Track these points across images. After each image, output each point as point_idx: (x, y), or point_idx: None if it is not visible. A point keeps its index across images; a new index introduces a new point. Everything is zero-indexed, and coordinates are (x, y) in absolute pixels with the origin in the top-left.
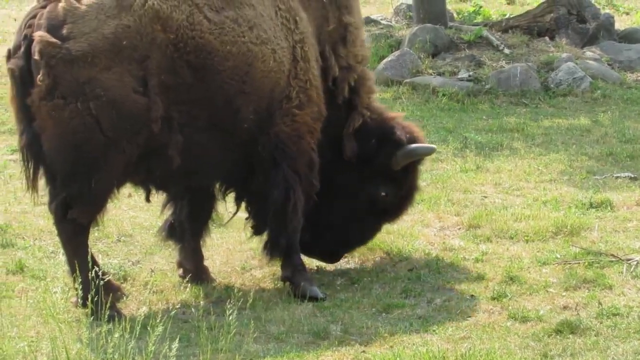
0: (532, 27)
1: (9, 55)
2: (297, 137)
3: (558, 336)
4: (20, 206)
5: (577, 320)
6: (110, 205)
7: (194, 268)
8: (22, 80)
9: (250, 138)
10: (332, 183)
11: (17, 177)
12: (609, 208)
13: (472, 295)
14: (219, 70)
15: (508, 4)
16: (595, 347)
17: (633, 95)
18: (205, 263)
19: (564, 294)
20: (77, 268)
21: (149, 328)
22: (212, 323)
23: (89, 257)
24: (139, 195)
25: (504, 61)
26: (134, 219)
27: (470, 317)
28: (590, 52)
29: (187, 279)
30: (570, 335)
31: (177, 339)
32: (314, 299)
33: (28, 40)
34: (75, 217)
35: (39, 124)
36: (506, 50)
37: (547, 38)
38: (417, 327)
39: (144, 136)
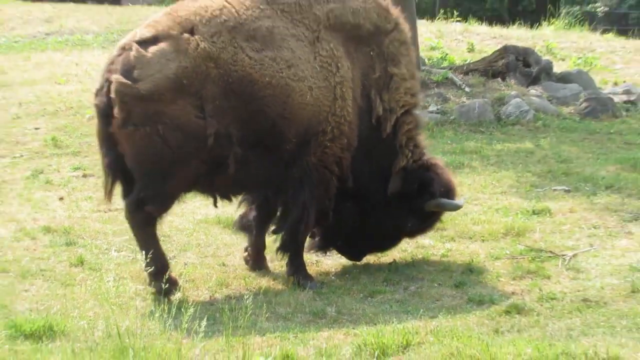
0: (488, 70)
1: (96, 94)
2: (323, 167)
3: (507, 316)
4: (80, 213)
5: (522, 303)
6: None
7: (255, 256)
8: (105, 113)
9: (291, 159)
10: (370, 204)
11: (79, 190)
12: (548, 214)
13: (439, 284)
14: (260, 97)
15: (469, 51)
16: (537, 324)
17: (567, 125)
18: (231, 257)
19: (512, 282)
20: (148, 250)
21: (182, 309)
22: (232, 305)
23: (158, 243)
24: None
25: (465, 97)
26: (170, 222)
27: (437, 300)
28: (533, 90)
29: (248, 265)
30: (517, 315)
31: (205, 318)
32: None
33: (108, 82)
34: (150, 211)
35: (121, 147)
36: (467, 89)
37: (499, 79)
38: (395, 309)
39: (205, 150)
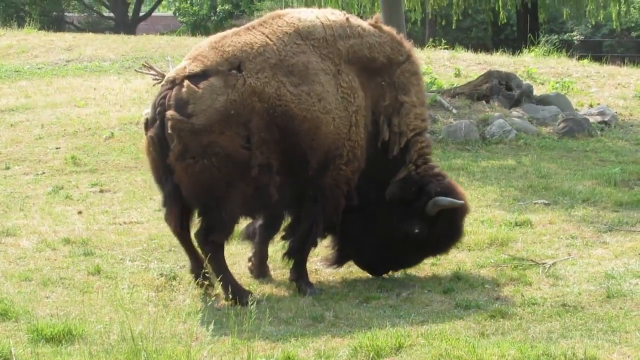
0: (473, 94)
1: (147, 126)
2: (335, 186)
3: (492, 320)
4: (97, 225)
5: (506, 308)
6: (163, 225)
7: (259, 265)
8: (160, 144)
9: (310, 181)
10: (379, 217)
11: (96, 204)
12: (529, 225)
13: (429, 290)
14: (298, 131)
15: (455, 76)
16: (519, 327)
17: (547, 144)
18: (236, 266)
19: (496, 288)
20: (222, 275)
21: (192, 315)
22: (238, 311)
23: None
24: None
25: (452, 118)
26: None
27: (427, 306)
28: (515, 112)
29: (252, 273)
30: (501, 319)
31: (212, 322)
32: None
33: (161, 115)
34: (215, 240)
35: (177, 178)
36: (454, 111)
37: (484, 101)
38: (389, 314)
39: (251, 178)
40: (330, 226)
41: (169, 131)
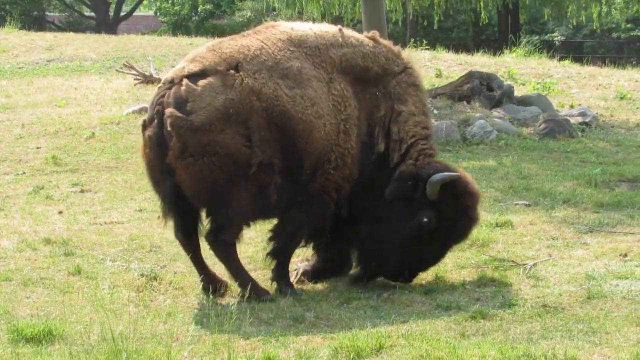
0: (454, 94)
1: (145, 126)
2: (323, 192)
3: (473, 321)
4: (78, 225)
5: (486, 309)
6: (144, 225)
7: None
8: (159, 143)
9: (301, 186)
10: (389, 224)
11: (77, 204)
12: (510, 226)
13: (409, 291)
14: (294, 131)
15: (437, 77)
16: (500, 328)
17: (527, 144)
18: (217, 266)
19: (477, 289)
20: (238, 274)
21: (172, 315)
22: (218, 311)
23: (238, 265)
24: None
25: (433, 119)
26: (162, 234)
27: (408, 306)
28: (496, 113)
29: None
30: (482, 320)
31: (193, 323)
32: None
33: (160, 114)
34: (225, 239)
35: (178, 178)
36: (435, 111)
37: (465, 102)
38: (369, 314)
39: (253, 177)
40: (319, 231)
41: (168, 129)
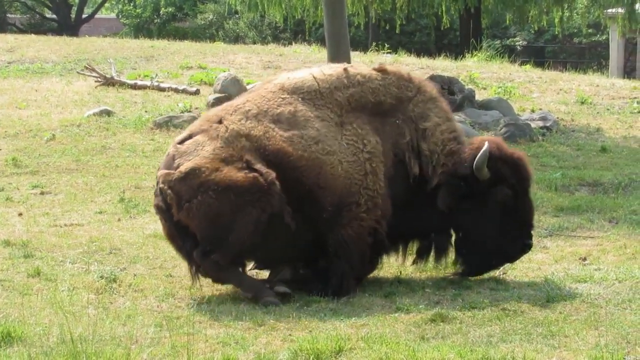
0: None
1: (155, 196)
2: (359, 239)
3: (432, 324)
4: (38, 227)
5: (446, 312)
6: (104, 227)
7: None
8: (165, 209)
9: (328, 227)
10: (474, 223)
11: (37, 206)
12: None
13: (369, 294)
14: (296, 167)
15: None
16: (460, 331)
17: None
18: (177, 269)
19: (437, 292)
20: (240, 283)
21: (132, 317)
22: (178, 314)
23: (243, 274)
24: (125, 219)
25: None
26: (122, 237)
27: (368, 309)
28: (457, 116)
29: None
30: (441, 323)
31: (152, 325)
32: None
33: (158, 182)
34: (217, 260)
35: (187, 225)
36: None
37: None
38: (329, 317)
39: (259, 202)
40: (361, 276)
41: (161, 186)
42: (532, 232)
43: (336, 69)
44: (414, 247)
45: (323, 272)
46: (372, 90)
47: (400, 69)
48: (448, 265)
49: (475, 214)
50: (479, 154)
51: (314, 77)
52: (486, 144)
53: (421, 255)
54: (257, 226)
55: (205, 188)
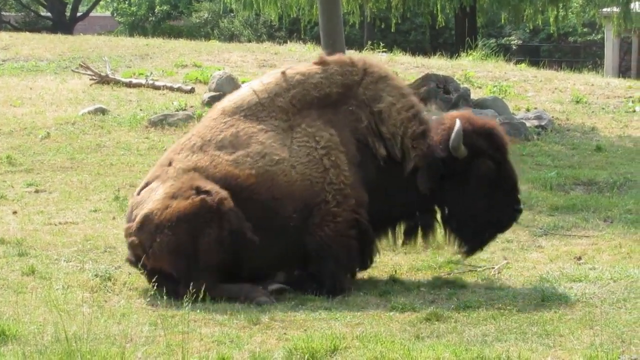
0: None
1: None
2: (338, 235)
3: (427, 322)
4: (32, 225)
5: (441, 311)
6: (99, 225)
7: None
8: (136, 260)
9: (301, 232)
10: (461, 198)
11: (31, 204)
12: None
13: (364, 293)
14: (246, 186)
15: None
16: (454, 330)
17: None
18: None
19: (432, 291)
20: (228, 293)
21: (126, 316)
22: (173, 312)
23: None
24: (120, 217)
25: None
26: (116, 235)
27: (363, 308)
28: None
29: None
30: (436, 322)
31: (147, 323)
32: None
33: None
34: (197, 287)
35: (164, 267)
36: None
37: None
38: (324, 316)
39: (221, 219)
40: (354, 269)
41: (126, 240)
42: (519, 196)
43: (274, 75)
44: (401, 229)
45: (317, 273)
46: (314, 86)
47: (342, 55)
48: (439, 245)
49: (460, 190)
50: (453, 135)
51: (253, 91)
52: (458, 122)
53: (409, 236)
54: (221, 243)
55: (161, 228)
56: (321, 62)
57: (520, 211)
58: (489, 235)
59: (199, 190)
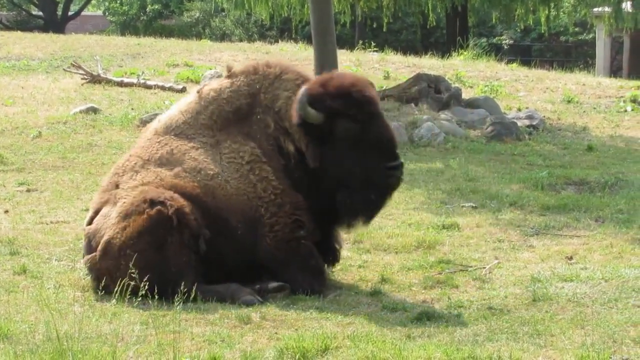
0: (402, 96)
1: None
2: (284, 242)
3: (418, 322)
4: (24, 225)
5: (432, 310)
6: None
7: None
8: (110, 277)
9: (251, 241)
10: (339, 165)
11: (23, 203)
12: (457, 229)
13: (356, 292)
14: (193, 195)
15: (385, 79)
16: (446, 330)
17: (475, 147)
18: None
19: (423, 291)
20: (212, 295)
21: (118, 315)
22: (164, 312)
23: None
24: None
25: None
26: None
27: (354, 308)
28: (444, 115)
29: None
30: (427, 322)
31: (138, 322)
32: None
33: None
34: (175, 294)
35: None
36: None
37: (413, 104)
38: (315, 315)
39: (179, 225)
40: (320, 267)
41: (91, 274)
42: (395, 153)
43: (192, 94)
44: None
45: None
46: (226, 101)
47: (248, 64)
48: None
49: (331, 155)
50: (297, 100)
51: (179, 111)
52: (302, 88)
53: (341, 217)
54: (185, 248)
55: (124, 250)
56: (229, 76)
57: (395, 167)
58: (376, 198)
59: (152, 202)
